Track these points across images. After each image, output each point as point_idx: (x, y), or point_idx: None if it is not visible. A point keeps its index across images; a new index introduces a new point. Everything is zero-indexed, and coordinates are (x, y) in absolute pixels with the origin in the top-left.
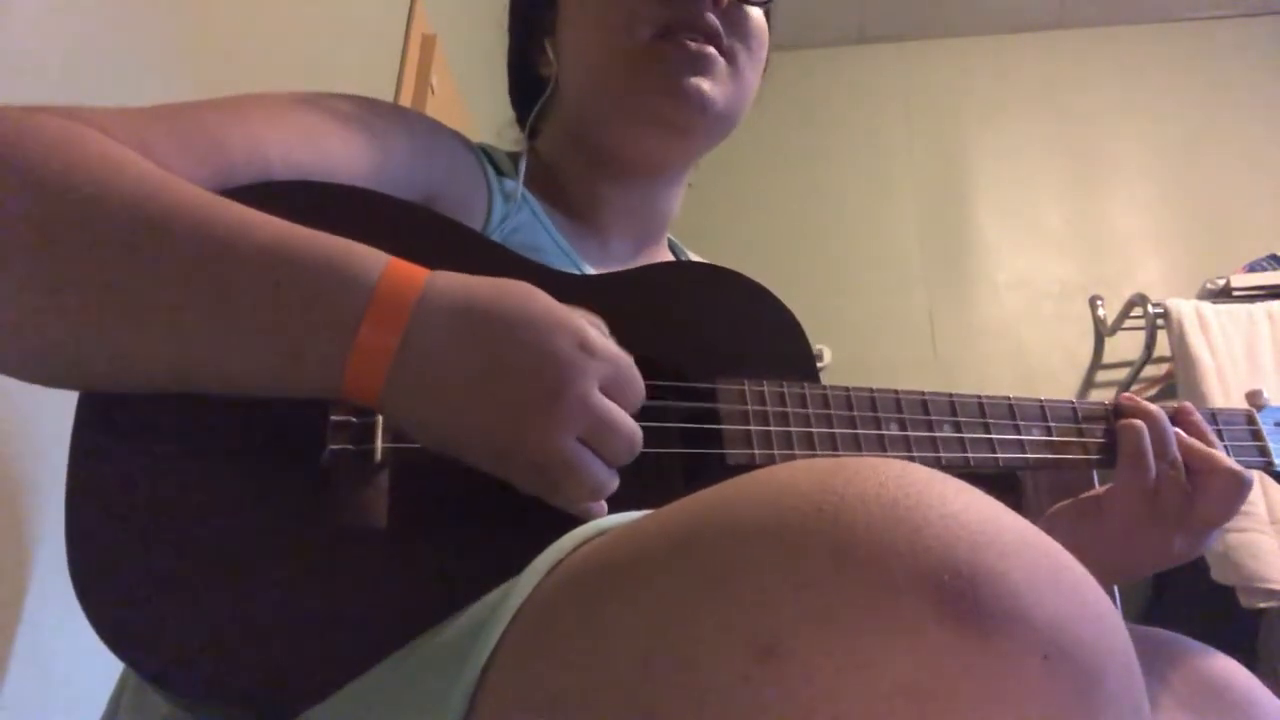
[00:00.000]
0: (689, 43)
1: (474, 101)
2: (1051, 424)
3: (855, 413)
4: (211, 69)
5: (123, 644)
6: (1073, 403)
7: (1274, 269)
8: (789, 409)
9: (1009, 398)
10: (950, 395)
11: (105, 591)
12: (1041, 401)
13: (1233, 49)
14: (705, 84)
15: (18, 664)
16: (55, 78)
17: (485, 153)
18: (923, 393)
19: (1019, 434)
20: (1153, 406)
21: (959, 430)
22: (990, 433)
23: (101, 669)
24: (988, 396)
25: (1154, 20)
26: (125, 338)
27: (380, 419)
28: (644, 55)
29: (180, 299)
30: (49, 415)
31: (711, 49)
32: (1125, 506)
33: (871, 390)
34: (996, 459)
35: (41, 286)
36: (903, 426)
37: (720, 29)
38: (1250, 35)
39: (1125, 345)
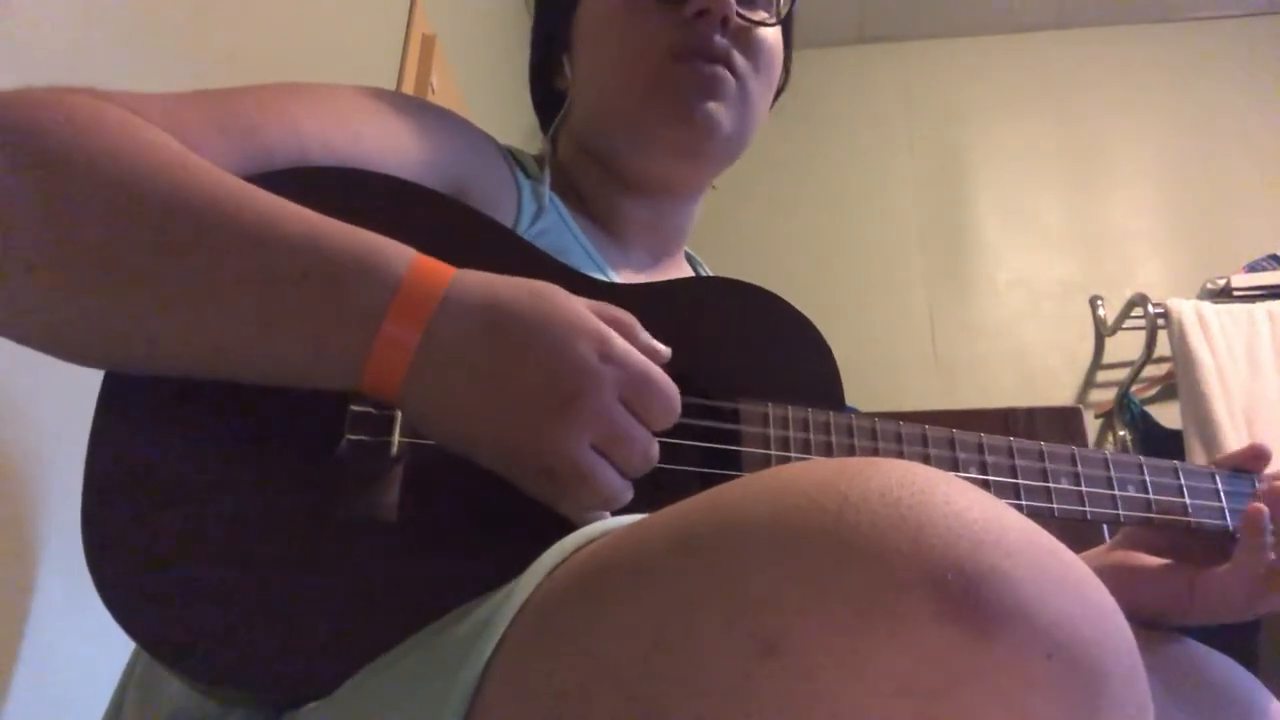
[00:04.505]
0: (701, 66)
1: (474, 101)
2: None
3: (880, 444)
4: (211, 69)
5: (137, 626)
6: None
7: (1274, 269)
8: (811, 435)
9: (992, 437)
10: (980, 436)
11: (120, 574)
12: (1044, 447)
13: (1233, 49)
14: (714, 107)
15: (23, 664)
16: (55, 76)
17: (513, 155)
18: (952, 430)
19: (1047, 480)
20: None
21: (984, 471)
22: (1019, 477)
23: (107, 669)
24: (1039, 443)
25: (1154, 20)
26: (145, 323)
27: (400, 413)
28: (655, 78)
29: (205, 287)
30: (54, 417)
31: (723, 70)
32: (1232, 588)
33: (899, 421)
34: (1021, 506)
35: (64, 269)
36: (926, 460)
37: (731, 52)
38: (1250, 35)
39: (1125, 345)
